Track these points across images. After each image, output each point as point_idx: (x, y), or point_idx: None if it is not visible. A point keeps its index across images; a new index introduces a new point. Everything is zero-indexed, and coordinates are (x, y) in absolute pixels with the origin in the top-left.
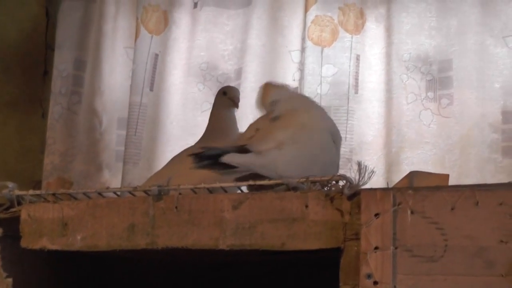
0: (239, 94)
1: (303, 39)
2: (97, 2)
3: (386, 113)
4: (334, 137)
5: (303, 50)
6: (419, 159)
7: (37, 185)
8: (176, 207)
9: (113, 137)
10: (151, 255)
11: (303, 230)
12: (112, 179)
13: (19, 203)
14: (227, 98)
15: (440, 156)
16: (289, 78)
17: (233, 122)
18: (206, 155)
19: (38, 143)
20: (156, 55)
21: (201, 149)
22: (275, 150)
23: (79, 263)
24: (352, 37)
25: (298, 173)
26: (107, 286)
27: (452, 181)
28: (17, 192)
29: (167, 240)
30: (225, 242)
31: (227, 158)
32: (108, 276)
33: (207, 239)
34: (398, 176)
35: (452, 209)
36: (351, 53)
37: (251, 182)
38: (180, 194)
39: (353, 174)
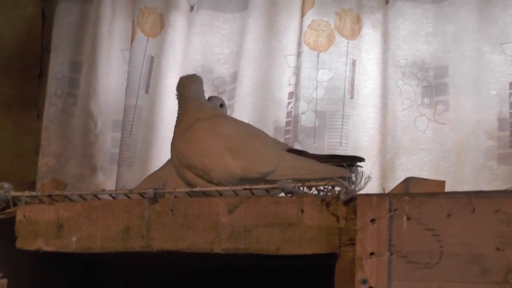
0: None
1: (299, 44)
2: (93, 4)
3: (381, 119)
4: None
5: (299, 54)
6: (414, 165)
7: (31, 186)
8: (171, 210)
9: (108, 139)
10: (146, 258)
11: (298, 235)
12: (106, 182)
13: (14, 204)
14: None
15: (435, 163)
16: (284, 82)
17: None
18: None
19: (33, 145)
20: (152, 57)
21: None
22: None
23: (74, 265)
24: (348, 42)
25: None
26: None
27: (447, 188)
28: (13, 193)
29: (162, 243)
30: (220, 246)
31: None
32: (103, 280)
33: (202, 242)
34: (393, 182)
35: (448, 215)
36: (347, 58)
37: (247, 187)
38: (175, 197)
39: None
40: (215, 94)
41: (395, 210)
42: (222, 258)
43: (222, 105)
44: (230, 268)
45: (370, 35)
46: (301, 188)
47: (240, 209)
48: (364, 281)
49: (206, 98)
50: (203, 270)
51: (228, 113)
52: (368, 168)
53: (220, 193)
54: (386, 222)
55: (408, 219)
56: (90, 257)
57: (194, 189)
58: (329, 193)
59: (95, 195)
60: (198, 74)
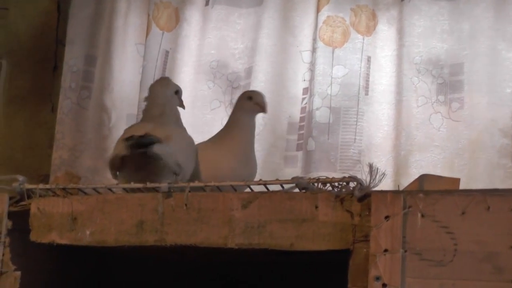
0: (265, 98)
1: (314, 40)
2: None
3: (395, 116)
4: None
5: (314, 50)
6: (428, 162)
7: (45, 179)
8: (185, 205)
9: (121, 133)
10: (159, 253)
11: (312, 231)
12: None
13: (28, 197)
14: (253, 103)
15: (449, 160)
16: (299, 78)
17: (253, 129)
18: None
19: (47, 138)
20: (167, 52)
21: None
22: None
23: (86, 259)
24: (363, 39)
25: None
26: (115, 282)
27: (460, 186)
28: (27, 185)
29: (176, 238)
30: (234, 241)
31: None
32: (116, 273)
33: (216, 237)
34: (407, 179)
35: (463, 213)
36: (362, 55)
37: (261, 182)
38: (189, 191)
39: (363, 176)
40: (229, 89)
41: (409, 207)
42: (236, 253)
43: (250, 98)
44: (243, 263)
45: (385, 32)
46: (316, 184)
47: (254, 204)
48: (377, 278)
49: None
50: (216, 264)
51: None
52: (382, 164)
53: (234, 188)
54: (401, 219)
55: (422, 216)
56: (102, 251)
57: (208, 184)
58: (344, 190)
59: (109, 189)
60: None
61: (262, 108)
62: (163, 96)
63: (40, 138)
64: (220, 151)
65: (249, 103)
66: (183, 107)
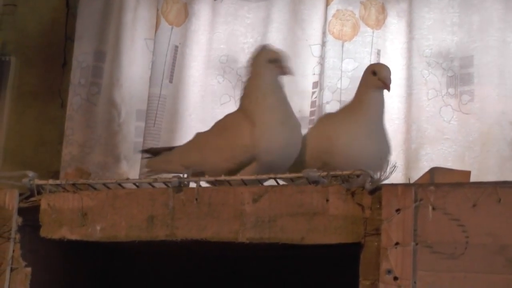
0: (391, 74)
1: (324, 33)
2: None
3: (406, 109)
4: None
5: (323, 44)
6: (438, 155)
7: (55, 175)
8: (196, 199)
9: (131, 129)
10: (169, 248)
11: (323, 225)
12: (130, 171)
13: (38, 193)
14: (376, 78)
15: (460, 153)
16: (309, 72)
17: (380, 105)
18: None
19: (57, 134)
20: (176, 47)
21: None
22: None
23: (96, 255)
24: (373, 32)
25: None
26: (124, 278)
27: (471, 178)
28: (37, 181)
29: (187, 232)
30: (245, 235)
31: None
32: (125, 269)
33: (227, 231)
34: (417, 172)
35: (474, 206)
36: (371, 48)
37: (272, 176)
38: (200, 186)
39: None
40: (239, 84)
41: (420, 200)
42: (246, 248)
43: (374, 73)
44: (254, 257)
45: (395, 25)
46: (326, 178)
47: (264, 198)
48: (389, 271)
49: (369, 66)
50: (227, 259)
51: None
52: (393, 158)
53: (244, 182)
54: (412, 212)
55: (433, 209)
56: (112, 246)
57: (218, 178)
58: (354, 183)
59: (119, 184)
60: None
61: (385, 85)
62: None
63: (50, 134)
64: (349, 128)
65: (372, 78)
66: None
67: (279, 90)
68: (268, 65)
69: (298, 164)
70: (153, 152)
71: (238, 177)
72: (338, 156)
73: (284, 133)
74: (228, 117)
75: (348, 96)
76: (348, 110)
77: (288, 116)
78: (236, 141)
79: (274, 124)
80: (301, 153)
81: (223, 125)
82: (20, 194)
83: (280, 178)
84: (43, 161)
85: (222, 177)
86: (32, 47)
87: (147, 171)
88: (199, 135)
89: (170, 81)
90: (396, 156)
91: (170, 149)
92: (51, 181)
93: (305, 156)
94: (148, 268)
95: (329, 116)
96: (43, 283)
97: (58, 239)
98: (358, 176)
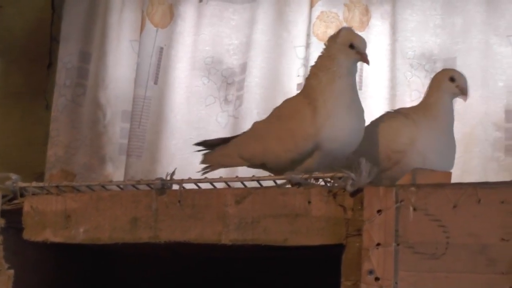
0: (467, 82)
1: (308, 35)
2: None
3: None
4: None
5: (308, 46)
6: None
7: (40, 177)
8: (179, 201)
9: (116, 130)
10: (153, 250)
11: (306, 226)
12: (115, 172)
13: (22, 195)
14: (454, 85)
15: None
16: (293, 73)
17: (453, 112)
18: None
19: (42, 135)
20: (161, 48)
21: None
22: None
23: (81, 257)
24: None
25: None
26: (109, 280)
27: (454, 179)
28: (20, 184)
29: (170, 234)
30: (228, 237)
31: None
32: (110, 271)
33: (210, 233)
34: None
35: (455, 206)
36: None
37: (254, 178)
38: (183, 188)
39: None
40: (224, 85)
41: (401, 201)
42: (230, 249)
43: (453, 79)
44: (238, 259)
45: (379, 27)
46: (308, 180)
47: (248, 200)
48: (370, 272)
49: (445, 71)
50: (211, 261)
51: (237, 104)
52: None
53: (227, 184)
54: (393, 213)
55: (414, 210)
56: (98, 248)
57: (201, 180)
58: (336, 184)
59: (103, 186)
60: None
61: (464, 93)
62: None
63: (35, 135)
64: (429, 132)
65: (450, 85)
66: None
67: (350, 77)
68: (346, 49)
69: (369, 158)
70: (208, 145)
71: (221, 179)
72: (415, 158)
73: (348, 118)
74: (287, 102)
75: None
76: (422, 113)
77: (353, 101)
78: (298, 129)
79: (338, 109)
80: (365, 148)
81: (283, 112)
82: (3, 196)
83: (262, 180)
84: (29, 162)
85: (205, 179)
86: (18, 48)
87: (204, 167)
88: (257, 124)
89: (155, 83)
90: None
91: (226, 140)
92: (34, 184)
93: (372, 152)
94: (135, 270)
95: (400, 116)
96: (30, 285)
97: (42, 241)
98: (340, 177)
